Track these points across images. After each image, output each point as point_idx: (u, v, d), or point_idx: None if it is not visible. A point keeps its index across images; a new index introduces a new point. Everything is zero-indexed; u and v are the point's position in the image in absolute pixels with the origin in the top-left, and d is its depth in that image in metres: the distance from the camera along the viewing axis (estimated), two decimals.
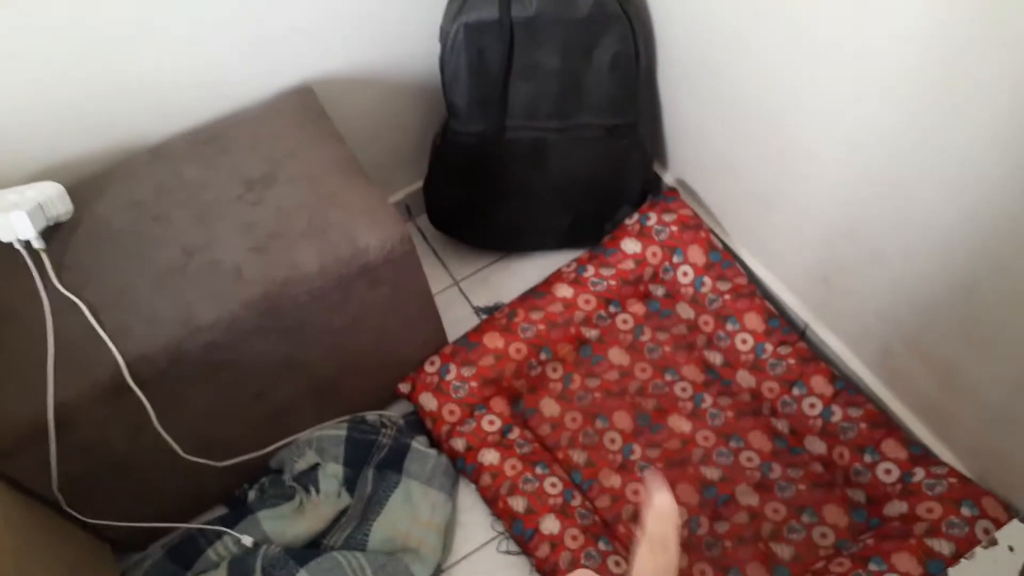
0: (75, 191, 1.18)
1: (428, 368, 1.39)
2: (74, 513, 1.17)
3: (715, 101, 1.33)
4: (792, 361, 1.35)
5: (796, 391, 1.33)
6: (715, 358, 1.39)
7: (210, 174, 1.20)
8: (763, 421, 1.33)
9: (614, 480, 1.29)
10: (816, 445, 1.28)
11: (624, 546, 1.24)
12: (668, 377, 1.38)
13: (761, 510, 1.25)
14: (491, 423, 1.34)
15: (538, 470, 1.29)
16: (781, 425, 1.32)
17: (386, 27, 1.38)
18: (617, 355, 1.41)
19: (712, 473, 1.29)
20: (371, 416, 1.39)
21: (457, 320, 1.52)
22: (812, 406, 1.31)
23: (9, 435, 1.03)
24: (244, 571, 1.22)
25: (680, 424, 1.34)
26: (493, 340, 1.41)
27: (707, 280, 1.44)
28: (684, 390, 1.37)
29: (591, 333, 1.43)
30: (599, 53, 1.33)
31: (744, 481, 1.28)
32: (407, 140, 1.57)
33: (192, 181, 1.20)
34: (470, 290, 1.60)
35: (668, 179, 1.59)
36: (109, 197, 1.19)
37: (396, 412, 1.42)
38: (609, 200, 1.56)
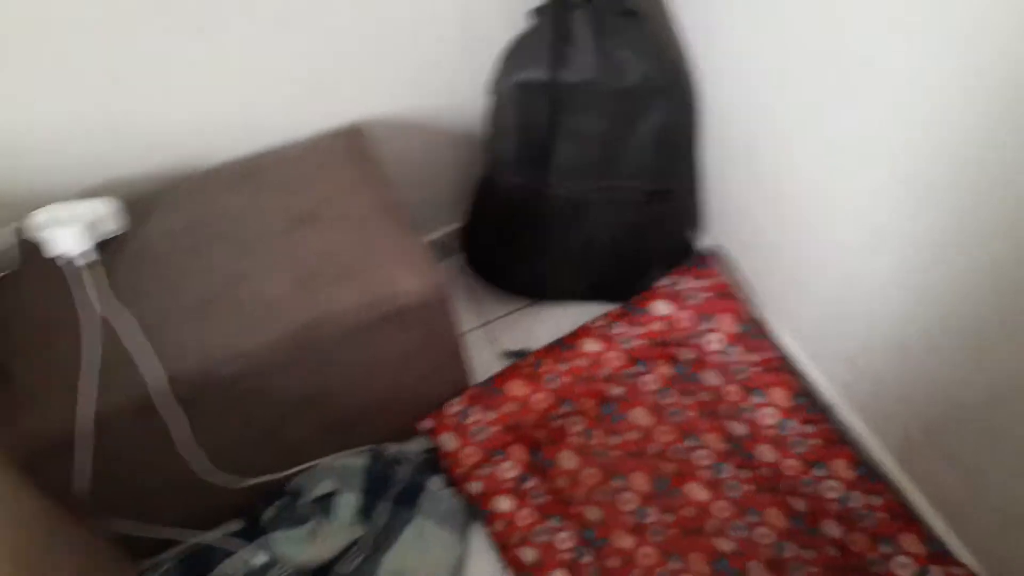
0: (129, 208, 1.23)
1: (450, 409, 1.41)
2: (93, 518, 1.21)
3: (756, 176, 1.34)
4: (815, 441, 1.34)
5: (817, 471, 1.32)
6: (738, 429, 1.39)
7: (258, 206, 1.24)
8: (781, 498, 1.32)
9: (626, 541, 1.29)
10: (832, 529, 1.27)
11: None
12: (689, 443, 1.38)
13: None
14: (508, 470, 1.35)
15: (551, 523, 1.29)
16: (799, 504, 1.31)
17: (437, 76, 1.42)
18: (640, 415, 1.42)
19: (725, 545, 1.28)
20: (391, 449, 1.41)
21: (482, 361, 1.54)
22: (832, 489, 1.30)
23: (43, 441, 1.07)
24: None
25: (697, 492, 1.33)
26: (517, 387, 1.42)
27: (736, 350, 1.44)
28: (704, 458, 1.37)
29: (615, 390, 1.44)
30: (644, 122, 1.35)
31: (757, 557, 1.27)
32: (448, 183, 1.61)
33: (241, 211, 1.24)
34: (498, 332, 1.62)
35: (705, 245, 1.60)
36: (161, 218, 1.24)
37: (415, 447, 1.44)
38: (643, 260, 1.58)
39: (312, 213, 1.24)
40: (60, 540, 1.14)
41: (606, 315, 1.52)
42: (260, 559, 1.29)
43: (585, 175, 1.43)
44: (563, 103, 1.34)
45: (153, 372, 1.08)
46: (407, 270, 1.18)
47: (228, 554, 1.31)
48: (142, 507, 1.26)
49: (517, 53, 1.33)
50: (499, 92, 1.35)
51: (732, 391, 1.42)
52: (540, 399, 1.42)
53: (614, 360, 1.46)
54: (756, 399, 1.40)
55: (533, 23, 1.32)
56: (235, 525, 1.38)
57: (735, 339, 1.46)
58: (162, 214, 1.24)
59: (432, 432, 1.41)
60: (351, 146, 1.35)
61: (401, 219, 1.25)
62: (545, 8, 1.32)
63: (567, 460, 1.39)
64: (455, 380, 1.42)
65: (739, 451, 1.37)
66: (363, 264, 1.18)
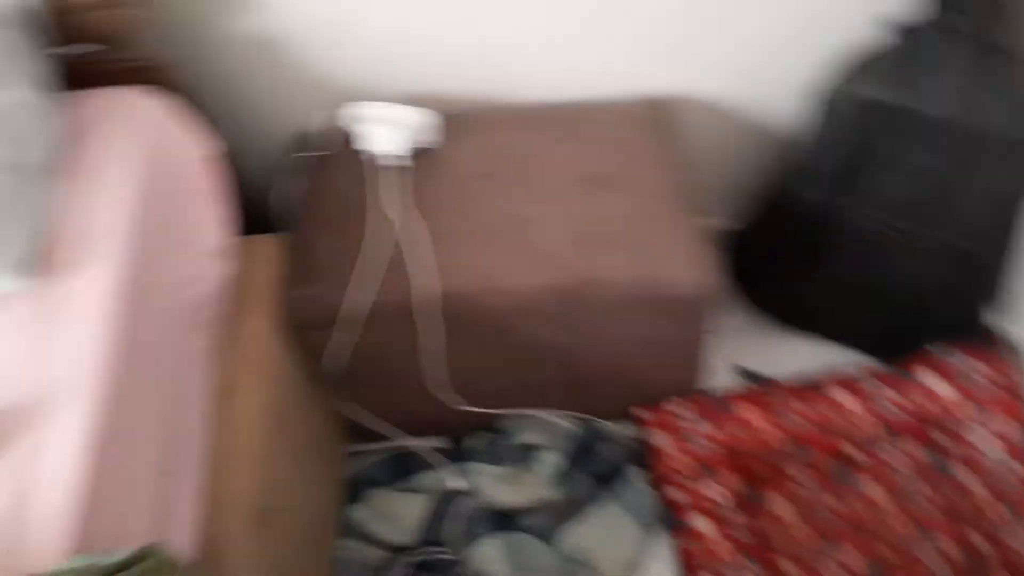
0: (444, 124, 1.28)
1: (673, 408, 1.36)
2: (329, 395, 1.31)
3: None
4: None
5: None
6: (983, 545, 1.22)
7: (559, 155, 1.25)
8: None
9: None
10: None
11: None
12: (922, 539, 1.24)
13: None
14: (715, 492, 1.29)
15: (747, 563, 1.22)
16: None
17: (763, 68, 1.33)
18: (875, 490, 1.28)
19: None
20: (601, 424, 1.40)
21: (713, 369, 1.45)
22: None
23: (317, 314, 1.17)
24: (444, 509, 1.30)
25: None
26: (750, 412, 1.34)
27: (1008, 459, 1.26)
28: (934, 561, 1.21)
29: (856, 454, 1.31)
30: (987, 174, 1.20)
31: None
32: (737, 179, 1.52)
33: (542, 155, 1.25)
34: (739, 345, 1.53)
35: (1003, 330, 1.40)
36: (470, 142, 1.28)
37: (624, 432, 1.41)
38: (922, 319, 1.41)
39: (606, 176, 1.22)
40: (300, 404, 1.25)
41: (866, 369, 1.38)
42: (457, 483, 1.33)
43: (895, 211, 1.29)
44: (903, 131, 1.21)
45: (429, 282, 1.13)
46: (683, 259, 1.14)
47: (429, 466, 1.37)
48: (371, 398, 1.35)
49: (867, 67, 1.21)
50: (832, 102, 1.24)
51: (990, 504, 1.24)
52: (770, 433, 1.33)
53: (864, 421, 1.33)
54: (1014, 519, 1.22)
55: (894, 38, 1.20)
56: (440, 442, 1.44)
57: (1010, 445, 1.27)
58: (472, 138, 1.28)
59: (646, 424, 1.38)
60: (657, 117, 1.31)
61: (689, 204, 1.20)
62: (916, 28, 1.18)
63: (781, 506, 1.29)
64: (685, 380, 1.37)
65: (978, 571, 1.21)
66: (642, 240, 1.15)
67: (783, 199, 1.37)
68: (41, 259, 0.91)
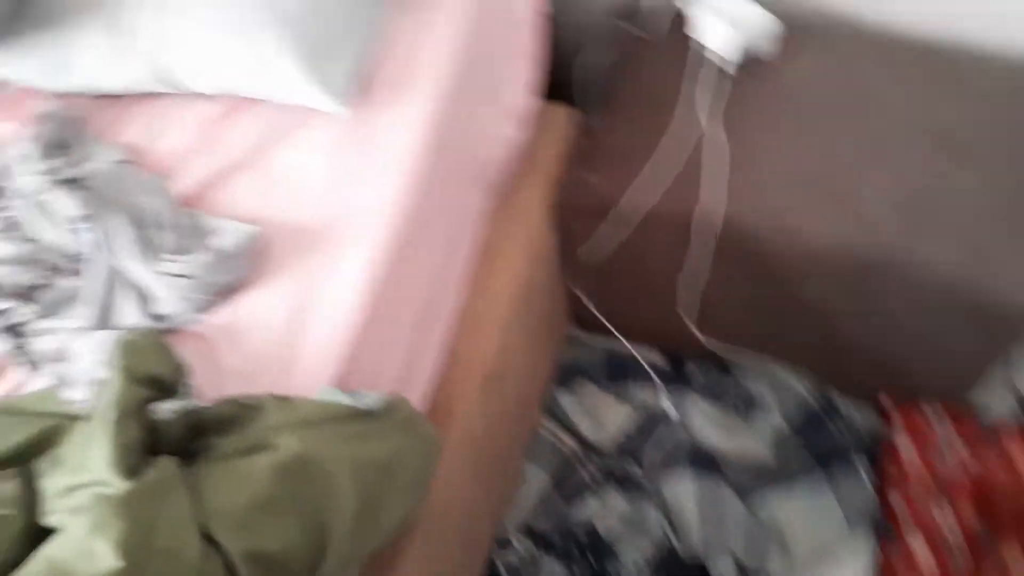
0: (785, 36, 1.12)
1: (930, 413, 1.21)
2: (572, 279, 1.28)
3: None
4: None
5: None
6: None
7: (911, 101, 1.06)
8: None
9: None
10: None
11: None
12: None
13: None
14: (947, 520, 1.15)
15: None
16: None
17: None
18: None
19: None
20: (845, 404, 1.27)
21: (988, 388, 1.25)
22: None
23: (597, 206, 1.10)
24: (650, 428, 1.28)
25: None
26: (1019, 451, 1.16)
27: None
28: None
29: None
30: None
31: None
32: None
33: (890, 97, 1.07)
34: None
35: None
36: (809, 62, 1.12)
37: (862, 417, 1.28)
38: None
39: (965, 143, 1.03)
40: (546, 282, 1.23)
41: None
42: (672, 413, 1.29)
43: None
44: None
45: (713, 203, 1.04)
46: None
47: (643, 377, 1.33)
48: (606, 293, 1.30)
49: None
50: None
51: None
52: None
53: None
54: None
55: None
56: (659, 356, 1.39)
57: None
58: (812, 58, 1.12)
59: (891, 418, 1.24)
60: None
61: None
62: None
63: (1015, 559, 1.14)
64: (955, 388, 1.20)
65: None
66: (984, 229, 0.98)
67: None
68: (362, 84, 0.91)
